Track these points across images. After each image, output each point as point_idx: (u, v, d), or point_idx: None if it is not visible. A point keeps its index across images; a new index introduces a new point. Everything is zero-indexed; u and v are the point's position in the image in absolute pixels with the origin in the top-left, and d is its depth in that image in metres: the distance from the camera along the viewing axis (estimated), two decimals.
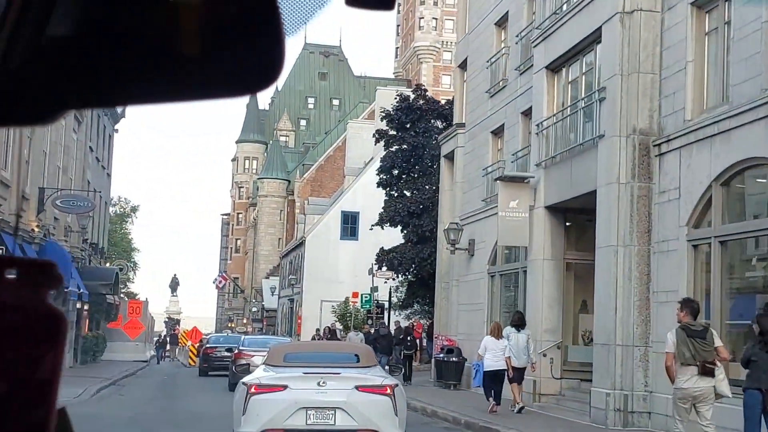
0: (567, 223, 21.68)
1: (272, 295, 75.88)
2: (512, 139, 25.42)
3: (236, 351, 30.06)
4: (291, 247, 70.39)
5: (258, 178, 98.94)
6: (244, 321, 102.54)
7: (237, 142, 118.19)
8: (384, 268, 43.54)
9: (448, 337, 29.34)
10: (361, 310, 52.05)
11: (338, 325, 43.89)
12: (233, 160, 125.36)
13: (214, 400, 24.66)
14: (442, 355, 28.00)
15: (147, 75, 0.93)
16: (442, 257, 31.78)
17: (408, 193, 43.94)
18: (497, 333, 20.49)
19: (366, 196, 61.58)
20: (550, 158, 21.22)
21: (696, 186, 16.06)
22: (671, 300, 16.52)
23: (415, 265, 41.97)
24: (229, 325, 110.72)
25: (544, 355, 21.00)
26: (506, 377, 20.44)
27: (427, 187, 43.21)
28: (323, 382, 12.24)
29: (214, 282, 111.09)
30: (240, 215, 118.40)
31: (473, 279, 28.16)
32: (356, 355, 14.00)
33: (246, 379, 13.26)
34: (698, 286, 16.18)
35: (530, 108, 23.56)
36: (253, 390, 12.34)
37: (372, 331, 41.73)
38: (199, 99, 0.96)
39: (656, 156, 17.35)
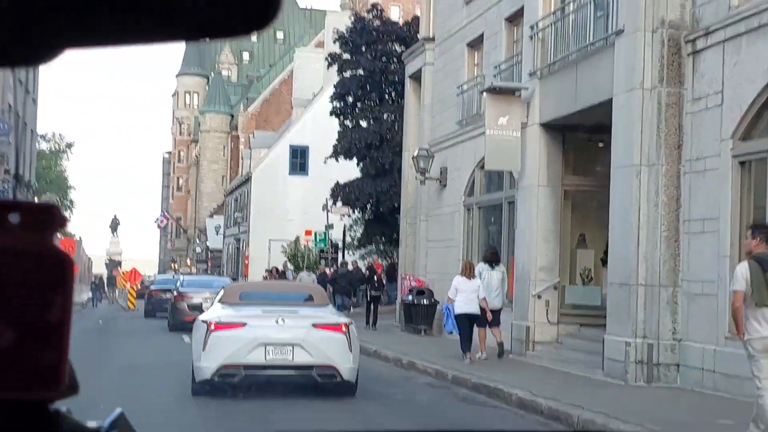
0: (565, 144, 18.59)
1: (217, 234, 72.29)
2: (493, 50, 22.15)
3: (175, 293, 29.33)
4: (236, 183, 66.71)
5: (200, 112, 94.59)
6: (188, 262, 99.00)
7: (177, 76, 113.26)
8: (339, 204, 40.32)
9: (416, 277, 26.33)
10: (314, 249, 48.92)
11: (289, 266, 40.66)
12: (173, 95, 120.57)
13: (153, 344, 22.21)
14: (410, 298, 24.97)
15: (137, 13, 0.88)
16: (408, 190, 28.65)
17: (364, 124, 40.61)
18: (469, 272, 17.74)
19: (316, 129, 58.06)
20: (547, 66, 18.02)
21: (746, 88, 12.99)
22: (709, 230, 13.58)
23: (374, 201, 38.80)
24: (173, 266, 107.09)
25: (539, 297, 18.03)
26: (485, 320, 17.79)
27: (385, 116, 39.89)
28: (282, 320, 12.65)
29: (155, 222, 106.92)
30: (181, 152, 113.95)
31: (446, 212, 25.08)
32: (310, 294, 14.66)
33: (205, 316, 13.53)
34: (745, 212, 13.21)
35: (516, 11, 20.31)
36: (213, 327, 12.66)
37: (329, 271, 38.67)
38: (194, 39, 0.93)
39: (690, 54, 14.22)
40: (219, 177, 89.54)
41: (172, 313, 28.64)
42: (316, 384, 12.91)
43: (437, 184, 25.51)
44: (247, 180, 59.55)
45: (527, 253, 18.29)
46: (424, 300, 24.53)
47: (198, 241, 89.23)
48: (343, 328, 12.91)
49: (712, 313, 13.36)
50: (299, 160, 58.40)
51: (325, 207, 40.06)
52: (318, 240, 40.35)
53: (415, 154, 25.51)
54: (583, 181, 18.58)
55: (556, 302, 18.15)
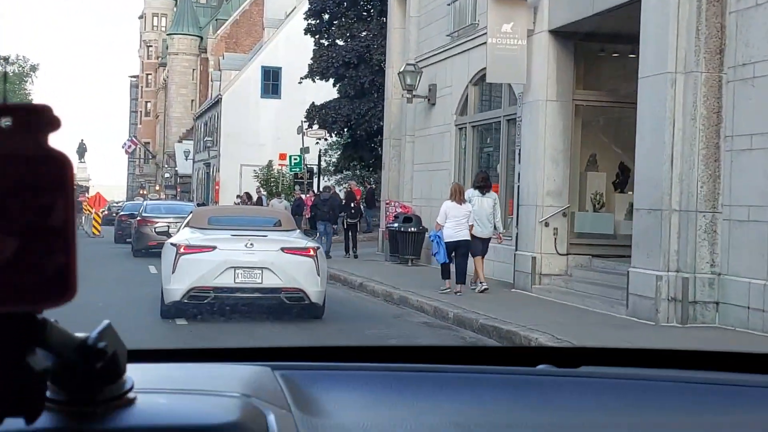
0: (576, 54, 16.50)
1: (186, 159, 69.82)
2: None
3: (138, 218, 29.01)
4: (206, 106, 64.10)
5: (167, 35, 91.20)
6: (157, 188, 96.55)
7: None
8: (315, 127, 38.09)
9: (402, 203, 24.34)
10: (288, 174, 46.79)
11: (263, 191, 38.46)
12: (140, 17, 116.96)
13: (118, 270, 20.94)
14: (396, 225, 23.01)
15: None
16: (392, 109, 26.52)
17: (341, 42, 38.23)
18: (459, 196, 15.98)
19: (290, 49, 55.49)
20: None
21: None
22: (758, 146, 11.63)
23: (352, 123, 36.61)
24: (141, 192, 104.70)
25: (546, 225, 16.10)
26: (481, 248, 16.33)
27: (364, 33, 37.51)
28: (251, 244, 12.68)
29: (123, 147, 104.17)
30: (149, 76, 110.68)
31: (435, 133, 23.02)
32: (278, 219, 14.67)
33: (174, 239, 13.48)
34: None
35: None
36: (182, 250, 12.62)
37: (305, 196, 36.63)
38: None
39: None
40: (188, 101, 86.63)
41: (136, 238, 28.10)
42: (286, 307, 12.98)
43: (425, 102, 23.41)
44: (217, 103, 57.01)
45: (533, 175, 16.32)
46: (412, 227, 22.59)
47: (167, 167, 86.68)
48: (311, 252, 12.96)
49: (760, 242, 11.50)
50: (272, 81, 55.89)
51: (300, 130, 37.84)
52: (293, 164, 38.17)
53: (402, 69, 23.33)
54: (596, 96, 16.55)
55: (565, 230, 16.23)
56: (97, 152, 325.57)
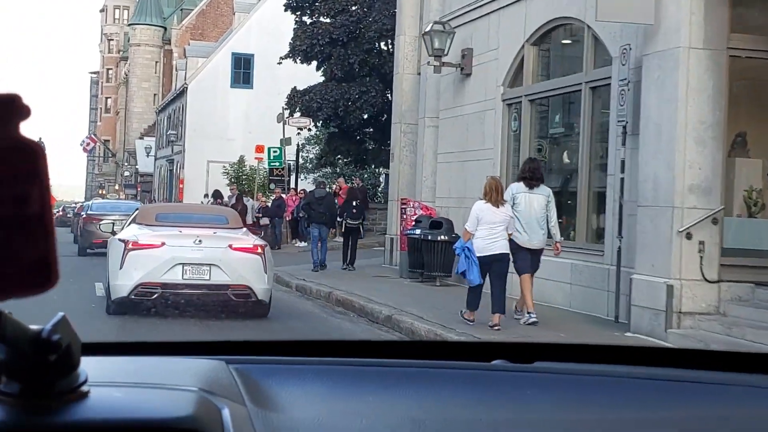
0: None
1: (147, 156, 63.55)
2: None
3: (84, 215, 28.70)
4: (170, 98, 57.87)
5: (129, 25, 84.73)
6: (116, 188, 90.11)
7: None
8: (297, 114, 32.23)
9: (423, 203, 18.62)
10: (262, 171, 40.90)
11: (236, 190, 32.40)
12: (102, 10, 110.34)
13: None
14: (419, 232, 17.25)
15: None
16: (403, 87, 20.83)
17: (327, 20, 32.45)
18: (495, 196, 11.26)
19: (262, 35, 49.56)
20: None
21: None
22: None
23: (340, 110, 30.83)
24: (100, 192, 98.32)
25: (689, 237, 10.45)
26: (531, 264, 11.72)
27: (354, 8, 31.78)
28: (199, 241, 12.46)
29: (81, 144, 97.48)
30: (110, 71, 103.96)
31: (470, 112, 17.32)
32: (225, 217, 14.42)
33: (122, 235, 13.17)
34: None
35: None
36: (131, 246, 12.41)
37: (286, 195, 30.79)
38: None
39: None
40: (150, 96, 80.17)
41: (81, 235, 27.66)
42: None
43: (456, 72, 17.72)
44: (182, 93, 50.90)
45: (665, 163, 10.62)
46: (442, 236, 16.85)
47: (127, 165, 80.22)
48: (259, 250, 12.85)
49: None
50: (243, 70, 49.88)
51: (280, 118, 31.94)
52: (272, 158, 32.21)
53: (427, 29, 17.60)
54: (762, 44, 10.92)
55: (716, 245, 10.58)
56: (56, 151, 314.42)
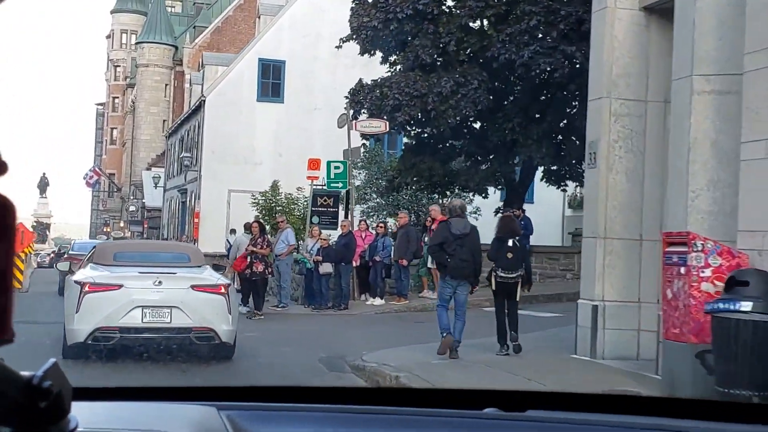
0: None
1: (156, 187, 54.07)
2: None
3: (66, 255, 27.31)
4: (183, 117, 48.38)
5: (136, 43, 75.63)
6: (121, 225, 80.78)
7: (112, 13, 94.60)
8: (364, 116, 22.79)
9: (724, 245, 9.05)
10: (302, 200, 31.44)
11: (284, 224, 22.52)
12: (108, 36, 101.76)
13: None
14: (746, 307, 7.70)
15: None
16: (614, 33, 11.53)
17: None
18: None
19: (295, 38, 40.29)
20: None
21: None
22: None
23: (431, 107, 21.41)
24: (105, 230, 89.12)
25: None
26: None
27: None
28: (159, 282, 11.90)
29: (84, 178, 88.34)
30: (116, 100, 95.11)
31: None
32: (187, 255, 13.80)
33: (78, 277, 12.48)
34: None
35: None
36: (87, 288, 11.76)
37: (356, 229, 21.34)
38: None
39: None
40: (159, 122, 70.85)
41: (61, 278, 23.08)
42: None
43: None
44: (198, 108, 41.47)
45: None
46: None
47: (132, 199, 70.74)
48: (223, 290, 12.11)
49: None
50: (271, 80, 40.46)
51: (343, 121, 22.39)
52: (334, 176, 22.47)
53: None
54: None
55: None
56: (62, 188, 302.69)
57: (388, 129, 21.81)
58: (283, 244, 20.70)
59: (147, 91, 70.12)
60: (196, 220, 39.43)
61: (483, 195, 23.99)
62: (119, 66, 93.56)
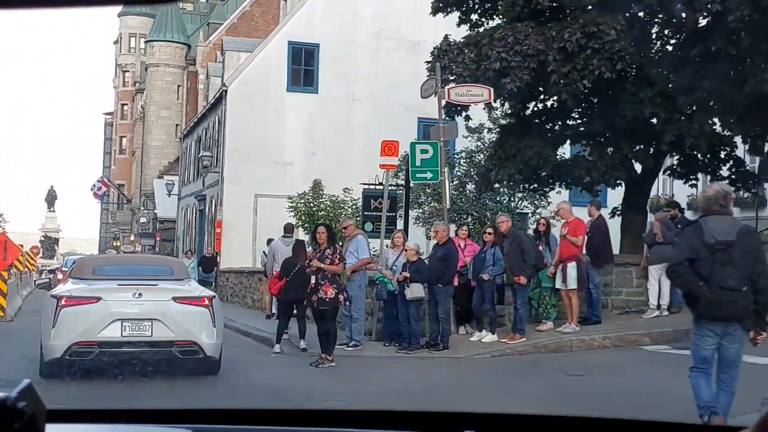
0: None
1: (169, 196, 48.05)
2: None
3: (60, 275, 24.39)
4: (201, 113, 42.20)
5: (146, 42, 69.79)
6: (132, 238, 75.01)
7: (119, 16, 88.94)
8: (450, 84, 16.67)
9: None
10: (351, 203, 25.53)
11: (352, 228, 16.32)
12: (116, 42, 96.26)
13: None
14: None
15: None
16: None
17: None
18: None
19: (330, 17, 34.35)
20: None
21: None
22: None
23: (552, 70, 15.36)
24: (114, 244, 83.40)
25: None
26: None
27: None
28: (139, 294, 11.26)
29: (92, 189, 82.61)
30: (125, 107, 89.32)
31: None
32: (170, 267, 13.14)
33: (55, 291, 12.39)
34: None
35: None
36: (63, 302, 11.17)
37: (457, 235, 15.33)
38: None
39: None
40: (171, 126, 64.96)
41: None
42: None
43: None
44: (219, 101, 35.43)
45: None
46: None
47: (143, 210, 64.80)
48: (206, 301, 11.54)
49: None
50: (303, 66, 34.41)
51: (431, 88, 16.08)
52: (417, 164, 16.08)
53: None
54: None
55: None
56: (70, 201, 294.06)
57: (492, 98, 15.70)
58: (352, 257, 14.72)
59: (158, 93, 64.23)
60: (218, 230, 33.40)
61: (612, 186, 18.03)
62: (128, 71, 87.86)
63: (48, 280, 46.47)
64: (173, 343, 11.15)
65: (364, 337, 15.07)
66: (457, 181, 27.36)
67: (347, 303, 13.45)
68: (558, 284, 14.61)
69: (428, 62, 17.26)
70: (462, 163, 26.14)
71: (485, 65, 15.73)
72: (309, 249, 15.01)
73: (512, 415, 2.01)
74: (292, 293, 14.22)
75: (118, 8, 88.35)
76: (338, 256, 13.08)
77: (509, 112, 17.84)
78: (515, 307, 14.32)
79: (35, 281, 46.77)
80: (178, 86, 64.29)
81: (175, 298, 11.32)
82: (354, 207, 25.89)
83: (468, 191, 27.30)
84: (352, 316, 14.47)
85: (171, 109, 64.34)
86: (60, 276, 29.88)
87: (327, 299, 12.84)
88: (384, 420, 1.94)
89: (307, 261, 13.52)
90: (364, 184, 24.13)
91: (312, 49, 34.20)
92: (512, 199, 26.35)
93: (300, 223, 25.69)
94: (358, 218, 22.04)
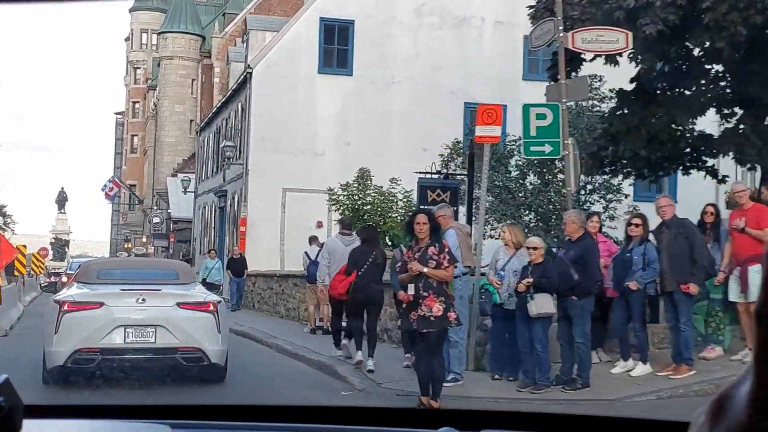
0: None
1: (184, 193, 44.09)
2: None
3: (64, 278, 23.58)
4: (222, 101, 38.06)
5: (159, 33, 65.81)
6: (144, 240, 71.25)
7: (131, 11, 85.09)
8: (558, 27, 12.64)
9: None
10: (401, 194, 21.60)
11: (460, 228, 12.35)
12: (127, 38, 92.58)
13: None
14: None
15: None
16: None
17: None
18: None
19: None
20: None
21: None
22: None
23: (707, 8, 11.30)
24: (126, 246, 79.69)
25: None
26: None
27: None
28: (142, 299, 10.88)
29: (103, 190, 78.89)
30: (136, 105, 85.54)
31: None
32: (175, 271, 12.71)
33: (58, 296, 11.76)
34: None
35: None
36: (66, 307, 10.78)
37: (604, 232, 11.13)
38: None
39: None
40: (185, 122, 60.97)
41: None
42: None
43: None
44: (243, 85, 31.41)
45: None
46: None
47: (156, 209, 60.85)
48: (212, 307, 11.05)
49: None
50: (337, 46, 30.40)
51: (549, 32, 12.01)
52: (536, 132, 12.03)
53: None
54: None
55: None
56: (81, 203, 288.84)
57: (630, 44, 11.62)
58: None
59: (171, 88, 60.25)
60: (242, 229, 29.38)
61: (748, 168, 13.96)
62: (139, 68, 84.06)
63: (54, 282, 42.88)
64: (177, 349, 10.76)
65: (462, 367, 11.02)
66: (517, 171, 23.44)
67: (458, 324, 9.37)
68: (734, 296, 10.55)
69: (531, 6, 13.19)
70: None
71: (612, 3, 11.66)
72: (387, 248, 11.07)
73: (489, 411, 2.07)
74: (366, 292, 11.63)
75: (130, 3, 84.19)
76: (447, 257, 9.01)
77: (639, 68, 13.70)
78: (677, 326, 10.25)
79: (41, 284, 43.02)
80: (193, 80, 60.31)
81: (179, 304, 10.92)
82: (407, 200, 21.89)
83: (528, 182, 23.34)
84: (450, 339, 10.40)
85: (185, 104, 60.34)
86: (65, 279, 26.55)
87: (432, 318, 8.80)
88: (361, 417, 1.81)
89: (399, 263, 9.51)
90: (420, 172, 20.36)
91: (346, 27, 30.17)
92: (582, 191, 22.47)
93: (343, 212, 21.74)
94: (408, 214, 18.23)
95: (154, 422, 1.51)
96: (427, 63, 30.15)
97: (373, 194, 21.81)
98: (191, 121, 60.34)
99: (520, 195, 23.12)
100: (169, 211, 53.64)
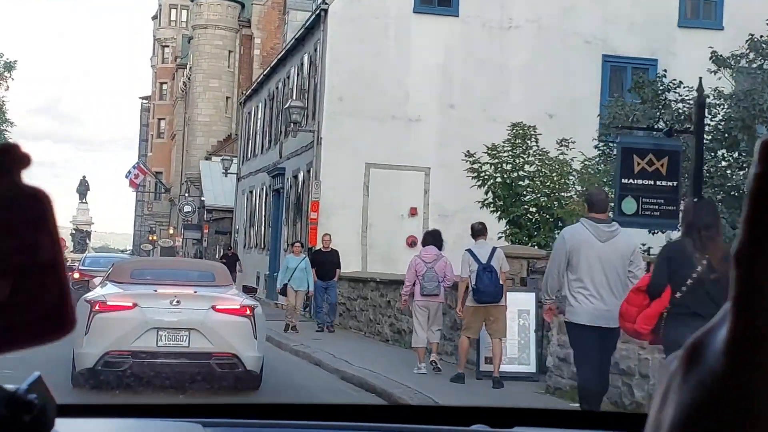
0: None
1: (225, 175, 36.68)
2: None
3: (76, 274, 22.38)
4: (278, 56, 30.24)
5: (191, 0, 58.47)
6: (170, 231, 64.35)
7: None
8: None
9: None
10: (585, 170, 14.14)
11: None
12: (154, 17, 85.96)
13: None
14: None
15: None
16: None
17: None
18: None
19: None
20: None
21: None
22: None
23: None
24: (151, 238, 73.04)
25: None
26: None
27: None
28: (177, 301, 10.51)
29: (127, 177, 71.73)
30: (164, 85, 78.55)
31: None
32: (212, 273, 12.32)
33: (89, 295, 11.20)
34: None
35: None
36: (97, 308, 10.44)
37: None
38: None
39: None
40: (221, 99, 53.58)
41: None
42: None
43: None
44: (312, 30, 24.02)
45: None
46: None
47: (188, 196, 53.55)
48: (248, 312, 10.65)
49: None
50: None
51: None
52: None
53: None
54: None
55: None
56: (104, 192, 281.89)
57: None
58: None
59: (205, 60, 52.90)
60: (312, 216, 21.92)
61: None
62: (167, 46, 77.10)
63: (86, 280, 36.23)
64: (211, 354, 10.34)
65: None
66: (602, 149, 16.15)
67: None
68: None
69: None
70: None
71: None
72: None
73: (521, 409, 2.09)
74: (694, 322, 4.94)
75: None
76: None
77: None
78: None
79: None
80: (230, 52, 52.98)
81: (214, 307, 10.50)
82: (590, 171, 14.42)
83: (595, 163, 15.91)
84: None
85: (221, 79, 53.02)
86: (77, 276, 21.73)
87: None
88: (393, 415, 1.81)
89: None
90: (623, 127, 13.15)
91: None
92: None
93: (491, 200, 14.29)
94: (590, 192, 11.00)
95: (186, 421, 1.46)
96: (556, 2, 22.77)
97: (538, 161, 14.36)
98: (227, 98, 53.00)
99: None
100: (202, 198, 46.44)
